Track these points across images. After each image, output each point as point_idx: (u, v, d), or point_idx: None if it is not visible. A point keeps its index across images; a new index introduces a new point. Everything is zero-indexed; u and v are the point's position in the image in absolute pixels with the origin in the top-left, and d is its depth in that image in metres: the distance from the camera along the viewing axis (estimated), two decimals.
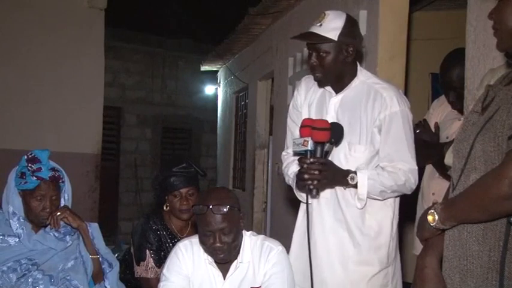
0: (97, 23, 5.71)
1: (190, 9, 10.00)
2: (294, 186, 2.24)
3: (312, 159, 2.02)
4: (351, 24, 2.15)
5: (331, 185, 2.13)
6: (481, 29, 2.27)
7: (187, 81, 9.68)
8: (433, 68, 3.61)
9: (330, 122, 2.07)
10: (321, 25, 2.11)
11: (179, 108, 9.67)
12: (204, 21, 9.95)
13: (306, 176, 2.03)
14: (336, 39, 2.09)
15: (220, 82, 8.40)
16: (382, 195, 2.13)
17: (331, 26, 2.10)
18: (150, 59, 9.39)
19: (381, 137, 2.15)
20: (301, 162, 2.06)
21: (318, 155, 2.04)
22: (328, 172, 2.05)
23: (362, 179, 2.08)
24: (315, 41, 2.12)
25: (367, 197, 2.11)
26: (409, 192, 2.20)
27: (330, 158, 2.14)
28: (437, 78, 2.80)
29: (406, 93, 3.53)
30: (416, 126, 2.73)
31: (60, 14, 5.53)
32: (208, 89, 9.46)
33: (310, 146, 2.02)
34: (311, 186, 2.04)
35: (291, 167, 2.30)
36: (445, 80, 2.65)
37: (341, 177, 2.09)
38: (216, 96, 8.77)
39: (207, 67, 8.31)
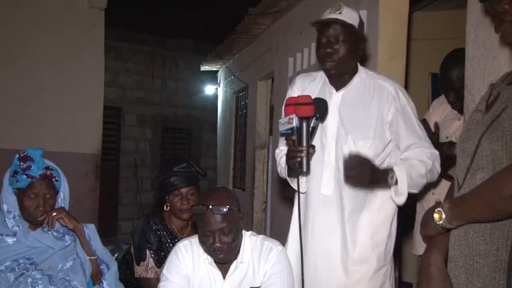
0: (97, 23, 5.72)
1: (190, 9, 9.99)
2: (286, 175, 2.21)
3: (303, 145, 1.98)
4: (362, 22, 2.19)
5: (370, 186, 2.08)
6: (481, 29, 2.26)
7: (187, 81, 9.67)
8: (433, 68, 3.61)
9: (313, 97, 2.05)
10: (340, 13, 2.10)
11: (179, 108, 9.67)
12: (204, 21, 9.94)
13: (292, 150, 2.00)
14: (357, 27, 2.11)
15: (220, 82, 8.40)
16: (418, 186, 2.13)
17: (351, 16, 2.12)
18: (150, 59, 9.39)
19: (397, 132, 2.15)
20: (288, 139, 2.02)
21: (304, 131, 1.99)
22: (364, 176, 2.00)
23: (401, 173, 2.06)
24: (340, 22, 2.08)
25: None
26: (437, 177, 2.19)
27: (335, 156, 2.14)
28: (437, 78, 2.80)
29: None
30: None
31: (60, 14, 5.53)
32: (208, 89, 9.46)
33: (295, 122, 1.97)
34: (298, 159, 1.99)
35: (282, 158, 2.24)
36: (445, 80, 2.65)
37: (380, 178, 2.05)
38: (216, 96, 8.77)
39: (207, 67, 8.31)
